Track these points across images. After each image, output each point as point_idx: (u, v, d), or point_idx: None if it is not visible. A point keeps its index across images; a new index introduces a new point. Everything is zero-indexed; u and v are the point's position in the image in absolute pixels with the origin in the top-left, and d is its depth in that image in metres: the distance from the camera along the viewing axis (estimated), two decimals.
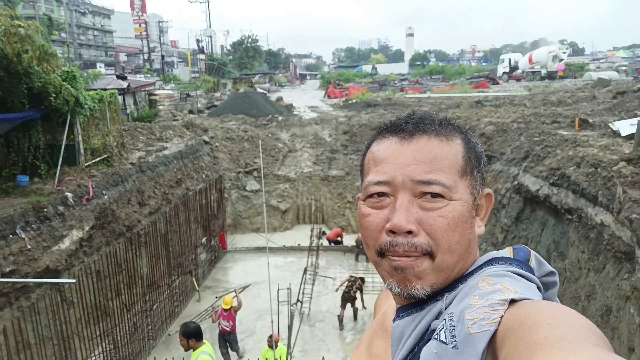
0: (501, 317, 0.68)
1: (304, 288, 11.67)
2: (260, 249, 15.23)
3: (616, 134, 12.73)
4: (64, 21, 44.35)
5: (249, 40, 77.94)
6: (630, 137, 11.65)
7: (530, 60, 52.65)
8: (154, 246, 10.60)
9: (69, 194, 9.82)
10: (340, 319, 10.85)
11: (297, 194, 19.31)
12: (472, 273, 0.85)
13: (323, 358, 8.61)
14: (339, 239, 15.83)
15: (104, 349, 8.52)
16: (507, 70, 55.91)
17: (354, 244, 14.91)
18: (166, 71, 55.42)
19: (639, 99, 18.04)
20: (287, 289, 8.59)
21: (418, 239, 0.82)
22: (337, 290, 11.22)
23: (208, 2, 60.27)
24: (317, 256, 13.25)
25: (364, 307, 11.20)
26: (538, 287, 0.80)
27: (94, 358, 8.36)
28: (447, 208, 0.83)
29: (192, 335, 6.09)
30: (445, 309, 0.80)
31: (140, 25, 69.98)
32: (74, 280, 7.06)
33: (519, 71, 55.05)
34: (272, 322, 7.65)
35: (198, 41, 60.17)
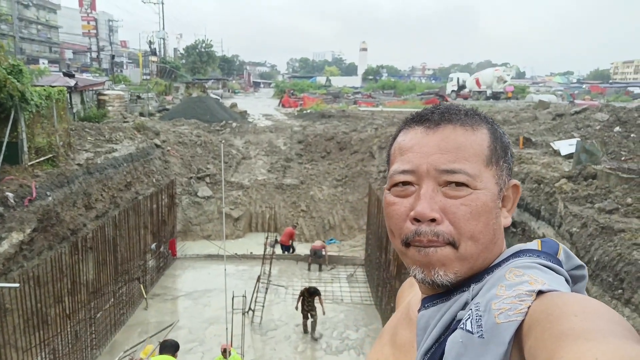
0: (528, 308, 0.68)
1: (256, 296, 11.53)
2: (211, 257, 14.91)
3: (557, 152, 13.57)
4: (6, 12, 41.91)
5: (203, 45, 76.64)
6: (569, 156, 12.47)
7: (477, 82, 55.13)
8: (100, 251, 10.11)
9: (10, 194, 9.26)
10: (304, 327, 10.89)
11: (250, 201, 19.11)
12: (499, 264, 0.85)
13: None
14: (291, 242, 15.73)
15: (43, 359, 8.02)
16: (456, 88, 58.18)
17: (309, 252, 14.90)
18: (115, 71, 53.47)
19: (575, 121, 19.32)
20: (243, 296, 8.47)
21: (441, 228, 0.82)
22: (296, 308, 11.13)
23: (162, 3, 58.78)
24: (270, 264, 13.15)
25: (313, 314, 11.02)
26: (566, 280, 0.80)
27: None
28: (470, 197, 0.83)
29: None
30: (472, 299, 0.80)
31: (88, 23, 67.49)
32: (17, 285, 6.62)
33: (467, 90, 57.44)
34: (226, 329, 7.52)
35: (150, 43, 58.46)
